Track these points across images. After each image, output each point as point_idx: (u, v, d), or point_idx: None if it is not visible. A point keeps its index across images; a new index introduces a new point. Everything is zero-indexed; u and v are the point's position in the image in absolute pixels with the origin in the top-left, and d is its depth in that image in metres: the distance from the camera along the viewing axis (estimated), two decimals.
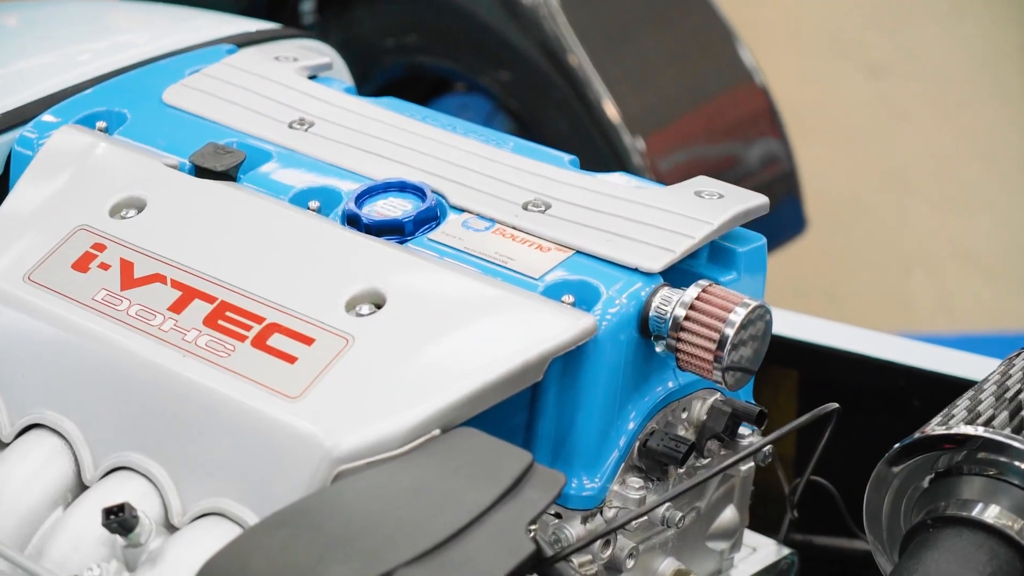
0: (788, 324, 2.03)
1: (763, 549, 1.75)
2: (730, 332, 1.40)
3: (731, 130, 2.79)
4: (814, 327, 2.05)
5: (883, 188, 4.02)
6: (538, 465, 1.31)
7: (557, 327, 1.39)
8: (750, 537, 1.75)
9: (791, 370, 2.03)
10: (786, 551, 1.75)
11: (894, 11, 4.81)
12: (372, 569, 1.20)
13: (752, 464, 1.62)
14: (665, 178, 2.52)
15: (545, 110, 2.58)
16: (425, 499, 1.29)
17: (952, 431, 1.42)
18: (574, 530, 1.44)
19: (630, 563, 1.48)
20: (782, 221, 2.80)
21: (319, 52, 1.92)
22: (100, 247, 1.54)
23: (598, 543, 1.45)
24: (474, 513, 1.26)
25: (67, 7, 2.24)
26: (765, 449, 1.60)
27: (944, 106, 4.37)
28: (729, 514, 1.64)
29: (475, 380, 1.36)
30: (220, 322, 1.45)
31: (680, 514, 1.51)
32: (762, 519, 1.79)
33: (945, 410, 1.47)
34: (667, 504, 1.50)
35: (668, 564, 1.57)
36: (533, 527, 1.29)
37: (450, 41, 2.71)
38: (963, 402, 1.47)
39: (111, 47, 1.94)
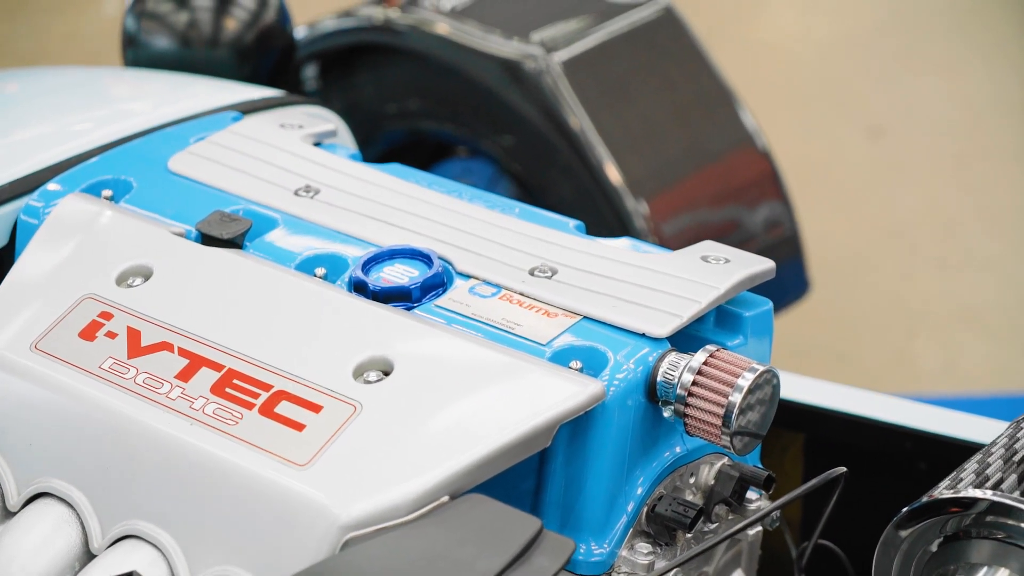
0: (794, 387, 2.04)
1: None
2: (738, 397, 1.41)
3: (734, 193, 2.81)
4: (820, 390, 2.06)
5: (886, 247, 4.04)
6: (547, 531, 1.32)
7: (565, 393, 1.40)
8: None
9: (797, 433, 2.04)
10: None
11: (894, 68, 4.84)
12: None
13: (760, 528, 1.63)
14: (669, 242, 2.54)
15: (548, 174, 2.60)
16: (434, 567, 1.29)
17: (960, 495, 1.43)
18: None
19: None
20: (785, 284, 2.81)
21: (324, 119, 1.94)
22: (107, 316, 1.55)
23: None
24: None
25: (70, 75, 2.27)
26: (773, 514, 1.61)
27: (945, 163, 4.40)
28: None
29: (484, 447, 1.37)
30: (227, 390, 1.46)
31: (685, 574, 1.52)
32: None
33: (953, 473, 1.48)
34: (675, 570, 1.51)
35: None
36: None
37: (452, 106, 2.73)
38: (971, 465, 1.48)
39: (115, 115, 1.96)
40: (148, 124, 1.88)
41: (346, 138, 2.00)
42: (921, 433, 1.99)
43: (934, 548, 1.46)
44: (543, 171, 2.60)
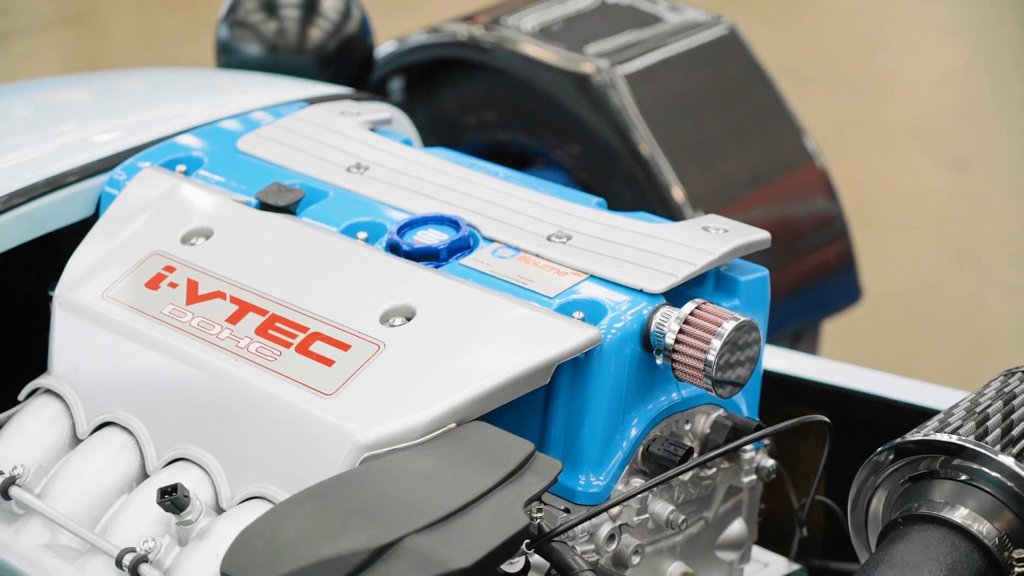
0: (819, 368, 2.16)
1: (774, 564, 1.88)
2: (718, 343, 1.55)
3: (791, 209, 2.93)
4: (844, 372, 2.17)
5: (959, 272, 4.12)
6: (539, 454, 1.47)
7: (563, 336, 1.55)
8: (764, 555, 1.89)
9: (820, 412, 2.16)
10: (796, 567, 1.88)
11: (978, 105, 4.92)
12: (386, 536, 1.37)
13: (758, 480, 1.75)
14: None
15: (612, 183, 2.73)
16: (437, 480, 1.45)
17: (929, 438, 1.56)
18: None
19: (635, 559, 1.62)
20: (838, 292, 2.94)
21: (382, 110, 2.11)
22: (170, 269, 1.74)
23: (603, 537, 1.59)
24: (479, 492, 1.43)
25: (166, 73, 2.47)
26: (769, 465, 1.74)
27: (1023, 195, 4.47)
28: (737, 527, 1.78)
29: (487, 381, 1.52)
30: (270, 331, 1.63)
31: (682, 517, 1.65)
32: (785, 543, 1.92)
33: (933, 420, 1.59)
34: (672, 508, 1.64)
35: (676, 567, 1.71)
36: (531, 505, 1.44)
37: (526, 117, 2.87)
38: (958, 412, 1.60)
39: (195, 105, 2.14)
40: (225, 112, 2.06)
41: (404, 127, 2.16)
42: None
43: (903, 488, 1.58)
44: (607, 180, 2.73)
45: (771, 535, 1.94)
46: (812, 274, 2.90)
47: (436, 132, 2.87)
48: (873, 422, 2.15)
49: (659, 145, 2.69)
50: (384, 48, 2.94)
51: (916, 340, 3.84)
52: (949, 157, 4.60)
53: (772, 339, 2.28)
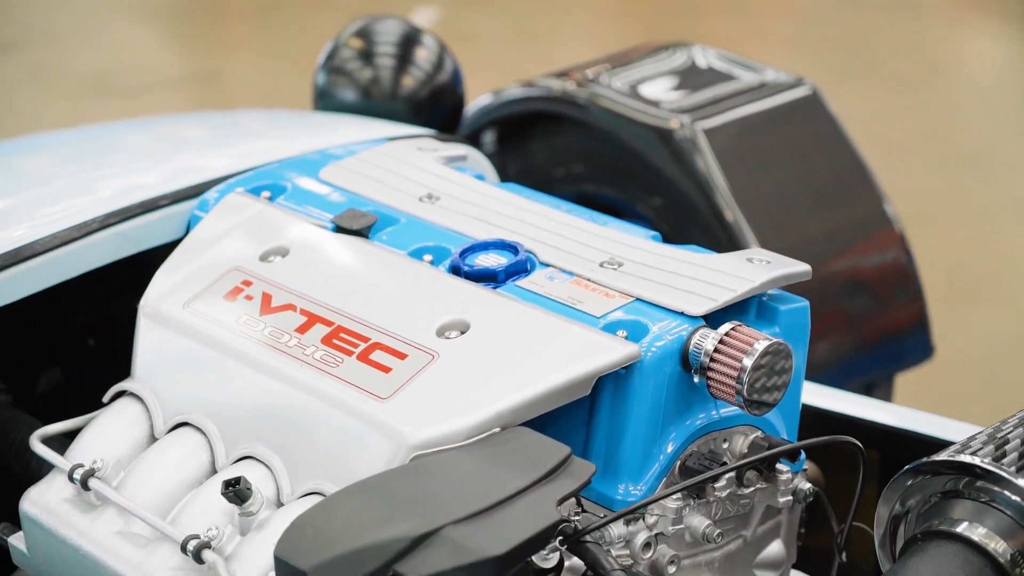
0: (871, 409, 2.23)
1: None
2: (750, 361, 1.63)
3: (869, 272, 2.99)
4: (896, 412, 2.24)
5: None
6: (574, 457, 1.56)
7: (604, 352, 1.65)
8: None
9: (872, 451, 2.23)
10: None
11: None
12: (426, 525, 1.47)
13: (796, 502, 1.82)
14: None
15: (691, 234, 2.80)
16: (478, 478, 1.54)
17: (949, 459, 1.63)
18: (616, 530, 1.67)
19: (671, 569, 1.70)
20: (910, 349, 3.00)
21: (458, 148, 2.22)
22: (247, 283, 1.86)
23: (639, 545, 1.67)
24: (515, 489, 1.52)
25: (265, 113, 2.61)
26: (806, 488, 1.81)
27: None
28: (776, 547, 1.85)
29: (531, 390, 1.62)
30: (334, 340, 1.74)
31: (718, 531, 1.73)
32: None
33: (960, 442, 1.66)
34: (708, 522, 1.72)
35: None
36: (569, 508, 1.53)
37: (612, 170, 2.97)
38: (980, 437, 1.67)
39: (288, 140, 2.28)
40: (312, 147, 2.19)
41: (481, 165, 2.27)
42: None
43: (925, 506, 1.65)
44: (686, 232, 2.81)
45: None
46: (886, 332, 2.96)
47: (526, 183, 2.97)
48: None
49: (736, 200, 2.78)
50: (480, 101, 3.05)
51: (995, 405, 3.87)
52: None
53: (846, 388, 2.35)
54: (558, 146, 3.06)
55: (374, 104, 2.65)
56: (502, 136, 3.10)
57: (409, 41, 2.71)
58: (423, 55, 2.71)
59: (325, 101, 2.68)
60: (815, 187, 2.93)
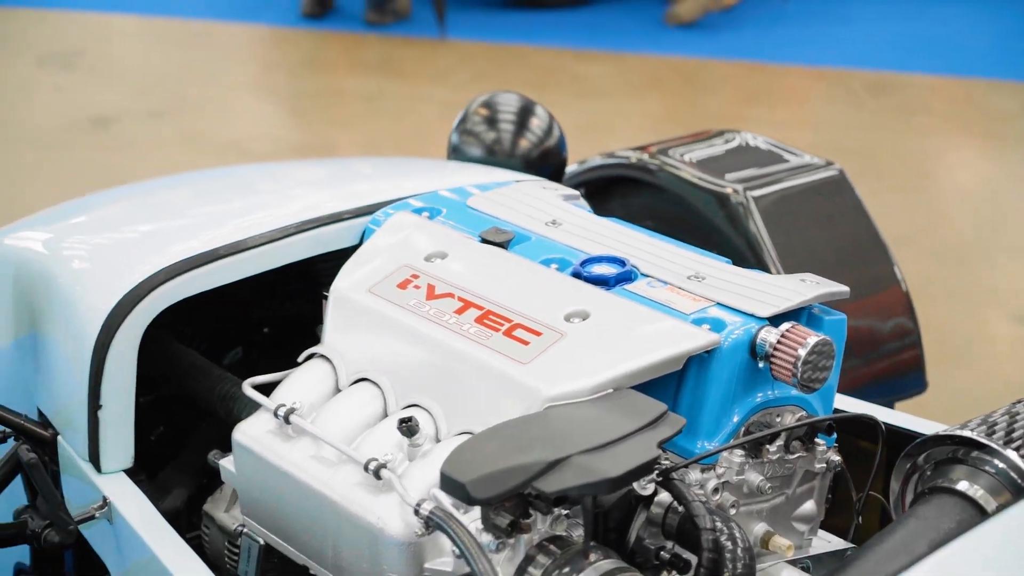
0: (912, 423, 2.38)
1: (835, 542, 2.14)
2: (803, 352, 1.85)
3: (879, 321, 3.17)
4: (901, 417, 2.42)
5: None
6: (669, 412, 1.78)
7: (693, 338, 1.86)
8: (827, 536, 2.15)
9: (875, 445, 2.41)
10: (848, 545, 2.14)
11: None
12: (558, 453, 1.65)
13: (827, 470, 2.02)
14: None
15: None
16: (597, 423, 1.75)
17: (949, 433, 1.84)
18: (694, 475, 1.88)
19: (732, 511, 1.91)
20: (908, 383, 3.20)
21: (570, 190, 2.45)
22: (416, 276, 2.08)
23: (710, 488, 1.88)
24: (626, 432, 1.71)
25: (423, 160, 2.85)
26: (836, 460, 2.01)
27: None
28: (809, 506, 2.03)
29: (637, 363, 1.83)
30: (485, 321, 1.95)
31: (769, 485, 1.93)
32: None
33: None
34: (762, 478, 1.92)
35: (761, 527, 1.98)
36: (661, 448, 1.74)
37: (677, 226, 3.12)
38: (961, 423, 1.88)
39: (439, 178, 2.50)
40: (458, 183, 2.42)
41: (585, 205, 2.50)
42: None
43: (930, 471, 1.86)
44: None
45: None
46: (889, 369, 3.16)
47: None
48: None
49: (777, 255, 2.97)
50: (568, 168, 3.27)
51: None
52: (1012, 313, 4.83)
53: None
54: (633, 206, 3.25)
55: (496, 160, 2.85)
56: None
57: (525, 111, 2.92)
58: (536, 123, 2.92)
59: (457, 155, 2.90)
60: (839, 249, 3.11)
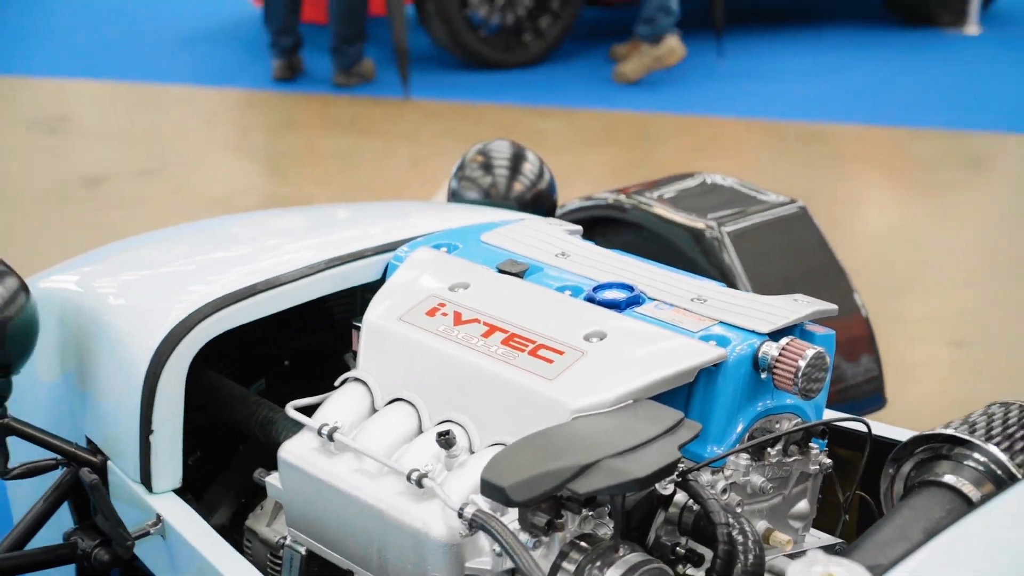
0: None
1: (824, 538, 2.22)
2: (803, 363, 1.94)
3: (840, 346, 3.28)
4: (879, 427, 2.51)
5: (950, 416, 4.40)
6: (685, 419, 1.86)
7: (702, 353, 1.96)
8: (817, 533, 2.23)
9: (857, 453, 2.50)
10: (838, 540, 2.22)
11: (976, 305, 5.27)
12: (588, 458, 1.74)
13: (820, 472, 2.11)
14: None
15: None
16: (621, 430, 1.83)
17: (934, 432, 1.94)
18: (705, 477, 1.97)
19: (738, 509, 1.99)
20: (870, 400, 3.29)
21: (572, 226, 2.53)
22: (442, 304, 2.16)
23: (719, 490, 1.97)
24: (648, 437, 1.80)
25: (433, 203, 2.93)
26: (827, 463, 2.10)
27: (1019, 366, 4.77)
28: (803, 505, 2.12)
29: (652, 376, 1.92)
30: (511, 343, 2.04)
31: (770, 486, 2.02)
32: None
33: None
34: (763, 479, 2.01)
35: (762, 524, 2.07)
36: (680, 451, 1.82)
37: (655, 260, 3.25)
38: (948, 423, 1.97)
39: (452, 218, 2.58)
40: (469, 221, 2.50)
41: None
42: None
43: (918, 467, 1.95)
44: None
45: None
46: (852, 386, 3.26)
47: None
48: None
49: (750, 284, 3.06)
50: None
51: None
52: (949, 339, 4.96)
53: None
54: (613, 244, 3.30)
55: (492, 203, 2.94)
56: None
57: (518, 157, 3.00)
58: (528, 167, 3.00)
59: (457, 199, 2.98)
60: (804, 278, 3.20)
